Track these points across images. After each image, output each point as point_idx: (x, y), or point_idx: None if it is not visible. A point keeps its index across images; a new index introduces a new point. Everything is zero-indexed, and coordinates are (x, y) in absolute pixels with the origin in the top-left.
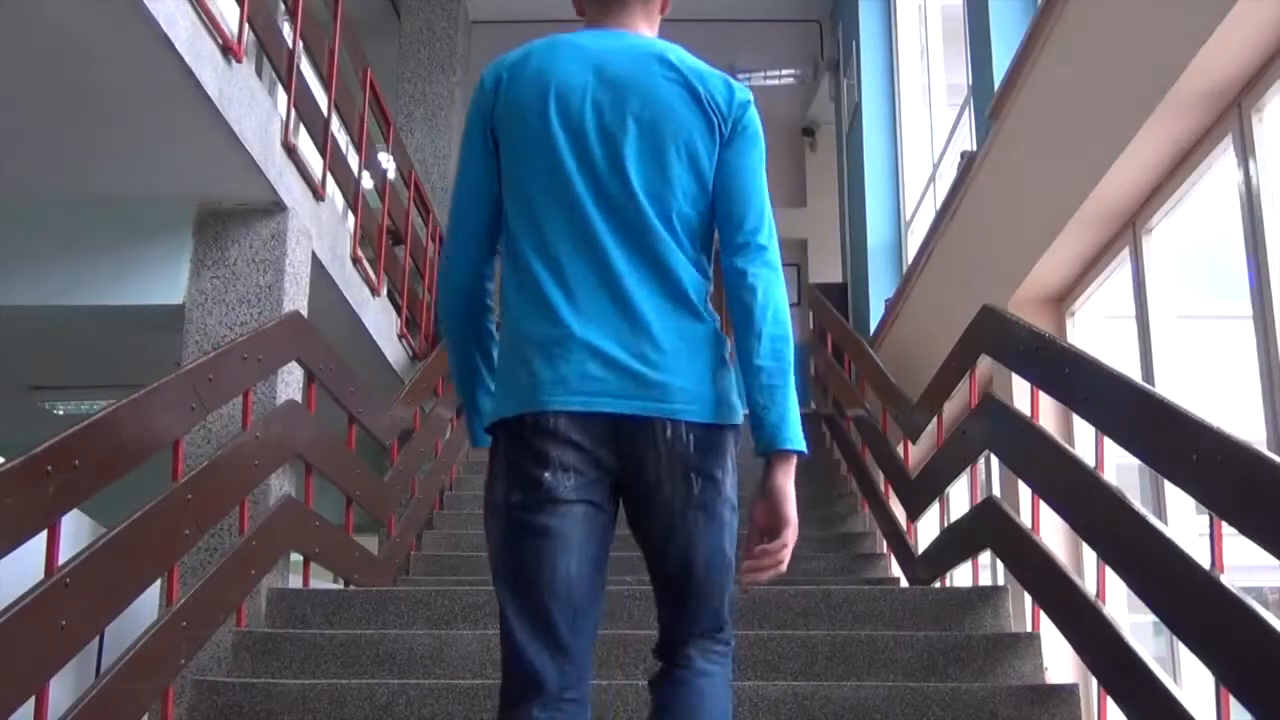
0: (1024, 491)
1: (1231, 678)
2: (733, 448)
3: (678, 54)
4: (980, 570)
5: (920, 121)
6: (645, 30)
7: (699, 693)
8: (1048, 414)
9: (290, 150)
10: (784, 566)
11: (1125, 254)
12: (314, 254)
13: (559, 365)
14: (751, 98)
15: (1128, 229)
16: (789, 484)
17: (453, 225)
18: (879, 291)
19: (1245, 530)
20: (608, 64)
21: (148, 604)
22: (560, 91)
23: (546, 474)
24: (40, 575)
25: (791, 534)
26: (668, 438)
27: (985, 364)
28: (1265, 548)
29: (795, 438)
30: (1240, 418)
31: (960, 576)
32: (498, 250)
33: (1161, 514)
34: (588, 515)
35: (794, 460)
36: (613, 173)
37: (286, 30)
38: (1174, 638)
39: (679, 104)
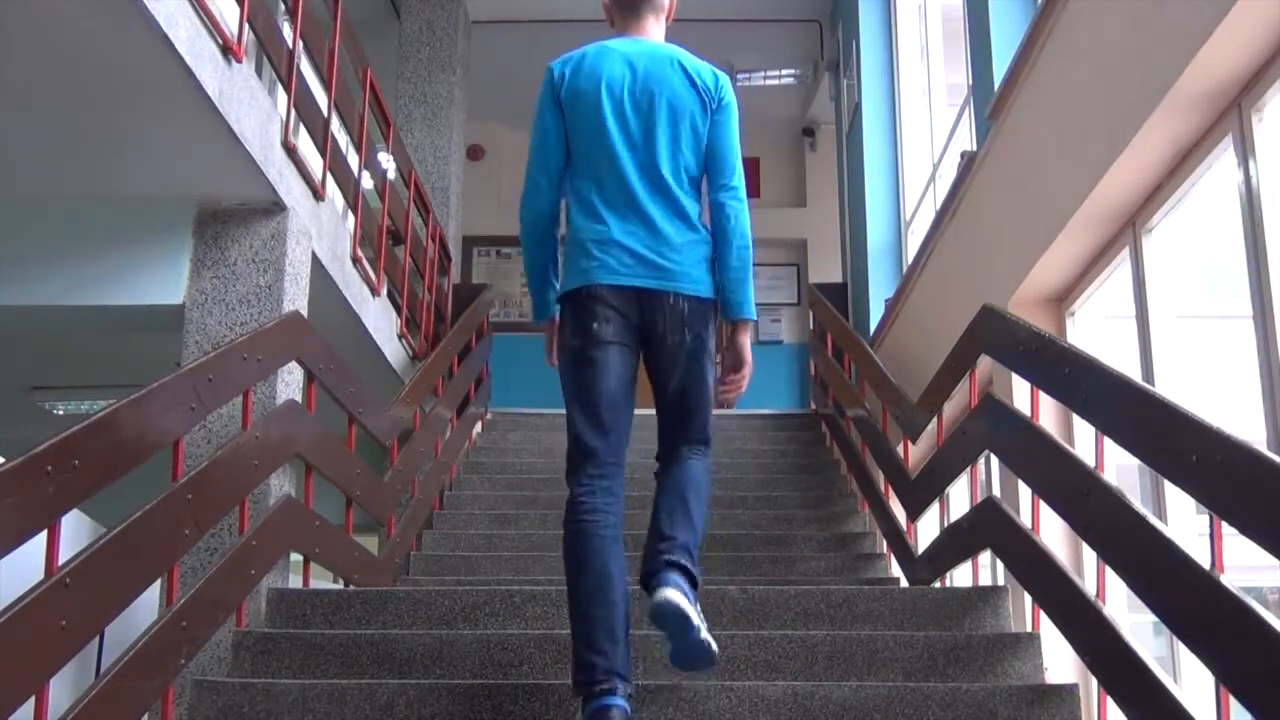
0: (1024, 491)
1: (1231, 678)
2: (713, 317)
3: (684, 56)
4: (980, 570)
5: (920, 121)
6: (657, 34)
7: (688, 468)
8: (1048, 414)
9: (290, 150)
10: (744, 389)
11: (1125, 254)
12: (314, 254)
13: (605, 256)
14: (729, 81)
15: (1128, 229)
16: (746, 339)
17: (537, 170)
18: (879, 291)
19: (1245, 530)
20: (638, 64)
21: (148, 604)
22: (609, 83)
23: (595, 325)
24: (40, 575)
25: (748, 370)
26: (671, 303)
27: (985, 364)
28: (1265, 548)
29: (751, 311)
30: (1240, 418)
31: (960, 576)
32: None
33: (1161, 514)
34: (620, 352)
35: (750, 325)
36: (643, 138)
37: (286, 30)
38: (1174, 638)
39: (684, 91)
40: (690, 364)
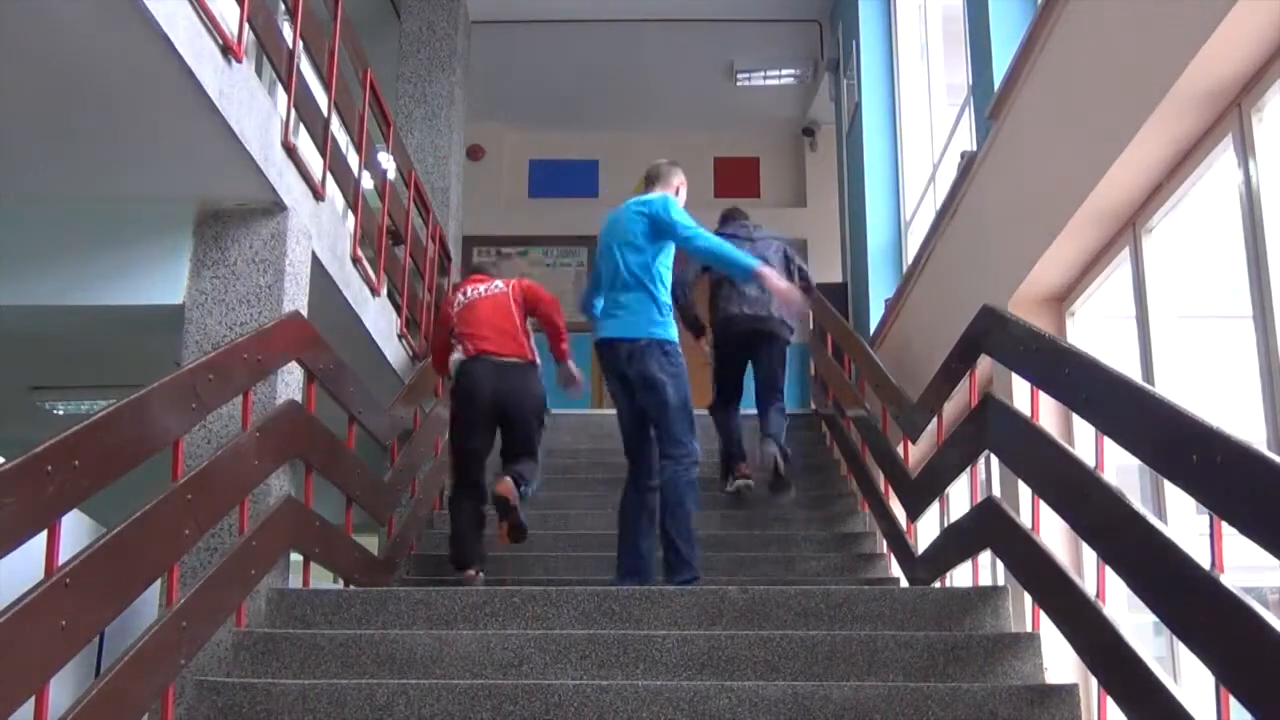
0: (1024, 491)
1: (1231, 678)
2: (659, 353)
3: (649, 198)
4: (980, 570)
5: (920, 121)
6: (659, 193)
7: (668, 482)
8: (1048, 414)
9: (290, 150)
10: (806, 309)
11: (1125, 254)
12: (314, 254)
13: (606, 322)
14: (672, 200)
15: (1128, 229)
16: (769, 280)
17: (591, 276)
18: (879, 291)
19: (1245, 530)
20: (625, 213)
21: (148, 604)
22: (612, 226)
23: (604, 361)
24: (40, 575)
25: (796, 296)
26: (637, 346)
27: (985, 364)
28: (1265, 548)
29: (745, 267)
30: (1240, 418)
31: (960, 576)
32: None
33: (1161, 514)
34: (618, 378)
35: (757, 274)
36: (623, 255)
37: (286, 30)
38: (1174, 638)
39: (640, 224)
40: (651, 388)
